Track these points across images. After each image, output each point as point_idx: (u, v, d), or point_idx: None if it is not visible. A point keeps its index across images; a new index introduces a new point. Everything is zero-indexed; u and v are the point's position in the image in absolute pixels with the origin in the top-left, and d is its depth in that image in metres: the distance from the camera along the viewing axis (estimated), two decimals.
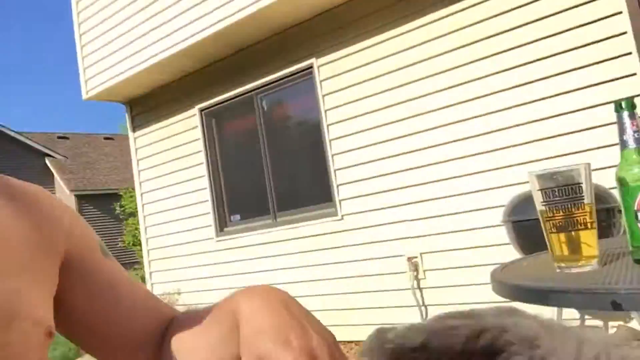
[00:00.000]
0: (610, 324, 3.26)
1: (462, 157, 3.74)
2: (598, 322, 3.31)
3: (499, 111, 3.59)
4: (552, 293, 0.89)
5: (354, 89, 4.30)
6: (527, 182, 3.26)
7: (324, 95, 4.49)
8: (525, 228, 3.01)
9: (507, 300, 0.97)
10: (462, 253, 3.75)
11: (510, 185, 3.42)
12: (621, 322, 3.19)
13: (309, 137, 4.76)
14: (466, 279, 3.72)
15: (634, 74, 3.11)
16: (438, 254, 3.87)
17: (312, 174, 4.73)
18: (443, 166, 3.82)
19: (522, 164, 3.46)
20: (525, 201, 3.10)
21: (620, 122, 0.99)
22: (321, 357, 0.43)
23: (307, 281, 4.50)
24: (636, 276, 0.86)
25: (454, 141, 3.77)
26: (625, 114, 0.98)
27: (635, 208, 0.94)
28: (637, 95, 3.07)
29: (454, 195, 3.78)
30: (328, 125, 4.46)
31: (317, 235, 4.50)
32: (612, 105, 1.01)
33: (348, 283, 4.30)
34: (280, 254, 4.71)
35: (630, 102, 0.98)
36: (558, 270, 1.01)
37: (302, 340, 0.43)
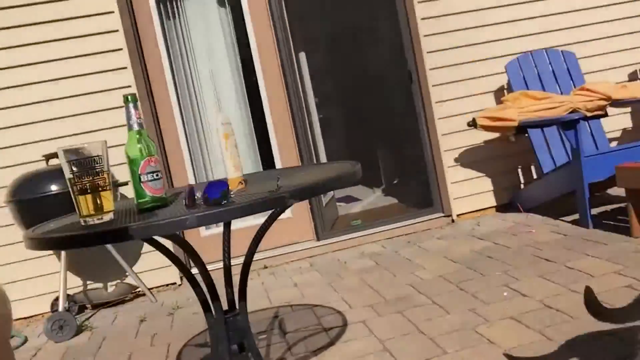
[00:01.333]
0: (109, 283, 3.76)
1: None
2: (99, 285, 3.76)
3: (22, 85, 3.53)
4: (77, 238, 1.18)
5: None
6: (30, 162, 3.39)
7: None
8: (30, 205, 3.12)
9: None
10: None
11: (15, 165, 3.45)
12: (119, 280, 3.73)
13: None
14: None
15: (125, 68, 3.65)
16: None
17: None
18: None
19: (29, 143, 3.53)
20: (30, 180, 3.21)
21: (127, 111, 1.35)
22: None
23: None
24: (142, 218, 1.24)
25: None
26: (131, 105, 1.35)
27: (140, 172, 1.33)
28: (128, 86, 3.65)
29: None
30: None
31: None
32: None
33: None
34: None
35: (134, 97, 1.36)
36: (83, 223, 1.30)
37: None
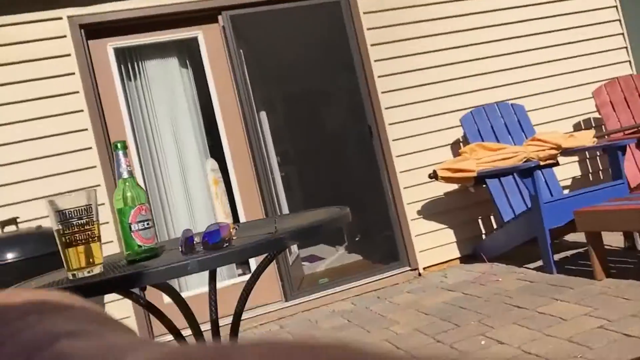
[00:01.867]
0: None
1: None
2: None
3: None
4: (76, 290, 1.10)
5: None
6: None
7: None
8: None
9: None
10: None
11: None
12: None
13: None
14: None
15: (86, 129, 3.58)
16: None
17: None
18: None
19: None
20: None
21: (117, 158, 1.31)
22: None
23: None
24: (134, 269, 1.18)
25: None
26: (120, 152, 1.31)
27: (129, 221, 1.27)
28: (89, 148, 3.55)
29: None
30: None
31: None
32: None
33: None
34: None
35: (124, 144, 1.32)
36: (72, 277, 1.22)
37: None
